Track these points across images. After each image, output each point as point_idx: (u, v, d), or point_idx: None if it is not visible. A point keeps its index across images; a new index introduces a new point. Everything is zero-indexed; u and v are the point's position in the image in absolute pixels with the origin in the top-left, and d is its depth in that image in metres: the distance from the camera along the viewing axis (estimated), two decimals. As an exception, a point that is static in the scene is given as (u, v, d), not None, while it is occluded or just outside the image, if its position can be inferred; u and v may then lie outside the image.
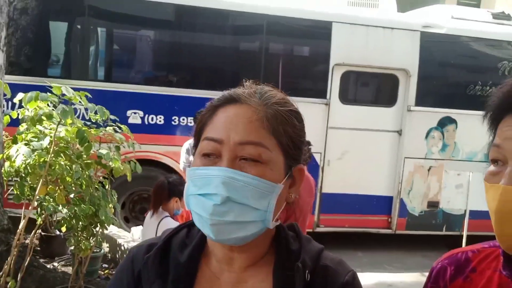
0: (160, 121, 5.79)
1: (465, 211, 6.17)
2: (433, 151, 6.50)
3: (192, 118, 5.38)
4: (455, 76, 6.70)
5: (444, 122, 6.51)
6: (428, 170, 6.51)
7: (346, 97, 6.38)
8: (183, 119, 5.82)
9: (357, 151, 6.30)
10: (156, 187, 3.85)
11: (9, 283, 3.10)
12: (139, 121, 5.69)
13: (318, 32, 6.28)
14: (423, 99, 6.42)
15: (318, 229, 6.17)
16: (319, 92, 6.11)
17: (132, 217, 6.06)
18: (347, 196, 6.35)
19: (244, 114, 0.86)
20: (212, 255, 0.94)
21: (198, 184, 0.85)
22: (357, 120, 6.30)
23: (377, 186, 6.48)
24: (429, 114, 6.47)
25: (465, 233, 5.70)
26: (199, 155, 0.88)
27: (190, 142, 5.04)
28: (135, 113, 5.69)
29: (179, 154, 5.19)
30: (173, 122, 5.81)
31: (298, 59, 6.74)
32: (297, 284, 0.86)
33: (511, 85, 0.87)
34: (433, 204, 6.54)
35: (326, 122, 6.13)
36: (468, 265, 0.98)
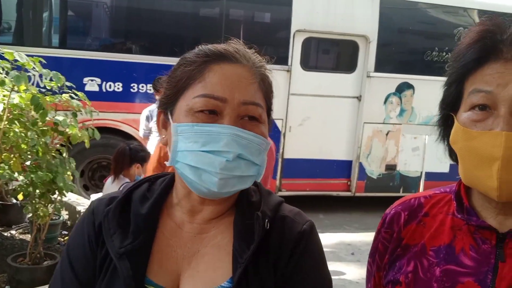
0: (118, 88, 5.68)
1: (421, 173, 6.43)
2: (391, 116, 6.68)
3: (151, 85, 5.31)
4: (413, 42, 6.83)
5: (402, 88, 6.67)
6: (386, 134, 6.69)
7: (307, 64, 6.42)
8: (142, 86, 5.74)
9: (318, 117, 6.40)
10: (117, 153, 3.83)
11: (-35, 251, 3.07)
12: (96, 89, 5.57)
13: (279, -2, 6.27)
14: (382, 65, 6.53)
15: (280, 193, 6.29)
16: (281, 58, 6.11)
17: (92, 185, 6.01)
18: (308, 161, 6.48)
19: (243, 75, 0.89)
20: (176, 207, 0.96)
21: (201, 140, 0.85)
22: (318, 86, 6.36)
23: (337, 151, 6.63)
24: (388, 80, 6.60)
25: (420, 194, 5.93)
26: (189, 112, 0.87)
27: (149, 109, 4.99)
28: (92, 80, 5.57)
29: (139, 121, 5.14)
30: (131, 90, 5.73)
31: (259, 25, 6.71)
32: (256, 231, 0.89)
33: (479, 32, 0.87)
34: (391, 167, 6.77)
35: (288, 89, 6.17)
36: (421, 210, 1.01)
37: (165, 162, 0.93)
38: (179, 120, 0.89)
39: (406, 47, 6.83)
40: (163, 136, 0.96)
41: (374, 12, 6.37)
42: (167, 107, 0.94)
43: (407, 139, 6.67)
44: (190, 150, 0.86)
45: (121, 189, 3.34)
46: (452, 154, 0.96)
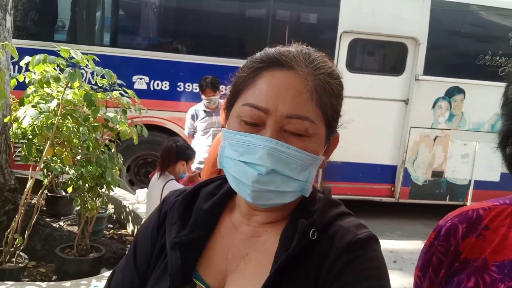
0: (165, 87, 5.80)
1: (470, 181, 6.19)
2: (440, 120, 6.47)
3: (197, 84, 5.38)
4: (465, 45, 6.59)
5: (452, 92, 6.45)
6: (434, 140, 6.49)
7: (353, 65, 6.33)
8: (188, 85, 5.83)
9: (363, 120, 6.26)
10: (165, 150, 3.89)
11: (17, 240, 3.20)
12: (144, 87, 5.71)
13: (327, -1, 6.21)
14: (431, 68, 6.34)
15: (322, 197, 6.21)
16: (326, 60, 6.04)
17: (137, 181, 6.16)
18: (350, 165, 6.36)
19: (293, 84, 0.83)
20: (236, 208, 0.97)
21: (240, 150, 0.84)
22: (364, 88, 6.24)
23: (381, 155, 6.49)
24: (437, 83, 6.39)
25: (469, 203, 5.73)
26: (238, 119, 0.85)
27: (195, 108, 5.06)
28: (140, 78, 5.71)
29: (184, 120, 5.23)
30: (178, 88, 5.83)
31: (305, 26, 6.66)
32: (296, 237, 0.84)
33: None
34: (438, 174, 6.56)
35: (332, 91, 6.09)
36: (480, 222, 0.95)
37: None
38: (230, 125, 0.88)
39: (457, 50, 6.59)
40: None
41: (425, 14, 6.19)
42: (227, 109, 0.93)
43: (456, 145, 6.44)
44: (231, 157, 0.86)
45: (164, 188, 3.37)
46: None
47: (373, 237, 0.87)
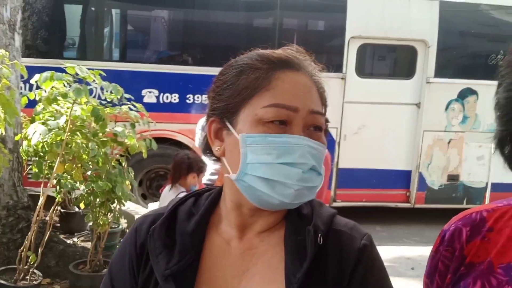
0: (174, 99, 5.81)
1: (487, 183, 6.08)
2: (453, 123, 6.38)
3: (206, 96, 5.39)
4: (476, 46, 6.52)
5: (465, 94, 6.36)
6: (448, 143, 6.40)
7: (362, 71, 6.29)
8: (198, 97, 5.84)
9: (375, 125, 6.23)
10: (176, 162, 3.89)
11: (30, 257, 3.20)
12: (154, 100, 5.73)
13: (333, 5, 6.18)
14: (442, 70, 6.27)
15: (335, 204, 6.16)
16: (335, 66, 6.03)
17: (150, 194, 6.17)
18: (364, 171, 6.30)
19: (307, 83, 0.87)
20: (224, 222, 0.93)
21: (275, 152, 0.82)
22: (374, 93, 6.20)
23: (395, 160, 6.41)
24: (449, 85, 6.32)
25: (486, 206, 5.60)
26: (258, 122, 0.83)
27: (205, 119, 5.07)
28: (150, 92, 5.74)
29: (194, 131, 5.23)
30: (187, 100, 5.84)
31: (313, 33, 6.66)
32: (309, 248, 0.85)
33: None
34: (453, 177, 6.45)
35: (342, 97, 6.06)
36: (484, 224, 0.93)
37: (226, 175, 0.89)
38: (244, 130, 0.84)
39: (468, 51, 6.53)
40: (217, 148, 0.91)
41: (433, 16, 6.14)
42: (224, 116, 0.88)
43: (471, 147, 6.35)
44: (264, 162, 0.82)
45: (178, 196, 3.38)
46: None
47: (371, 237, 0.93)
